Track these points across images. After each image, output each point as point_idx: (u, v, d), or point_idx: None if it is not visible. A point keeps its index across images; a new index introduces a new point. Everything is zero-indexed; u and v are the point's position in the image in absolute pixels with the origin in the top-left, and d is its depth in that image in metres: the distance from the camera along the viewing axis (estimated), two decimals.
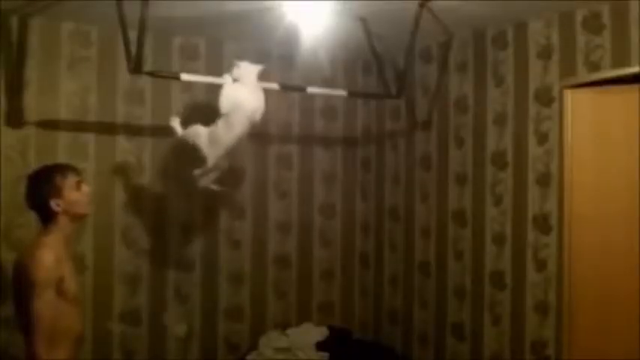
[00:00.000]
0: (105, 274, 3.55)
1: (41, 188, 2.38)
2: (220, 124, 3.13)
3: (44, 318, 2.23)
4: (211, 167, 3.19)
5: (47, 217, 2.38)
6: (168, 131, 3.23)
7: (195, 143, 3.16)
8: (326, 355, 3.81)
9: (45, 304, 2.24)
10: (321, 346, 3.88)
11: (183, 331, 3.73)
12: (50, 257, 2.28)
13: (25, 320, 2.27)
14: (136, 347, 3.63)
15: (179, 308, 3.76)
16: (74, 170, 2.49)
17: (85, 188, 2.47)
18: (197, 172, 3.22)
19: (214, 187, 3.30)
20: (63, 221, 2.39)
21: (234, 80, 3.15)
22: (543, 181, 3.26)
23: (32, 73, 3.34)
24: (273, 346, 3.84)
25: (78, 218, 2.49)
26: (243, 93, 3.14)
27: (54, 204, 2.36)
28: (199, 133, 3.17)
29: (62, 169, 2.46)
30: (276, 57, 4.03)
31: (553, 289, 3.20)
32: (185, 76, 3.17)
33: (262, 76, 3.24)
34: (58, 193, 2.37)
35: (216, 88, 3.17)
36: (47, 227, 2.38)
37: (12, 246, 3.19)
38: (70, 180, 2.42)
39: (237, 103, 3.11)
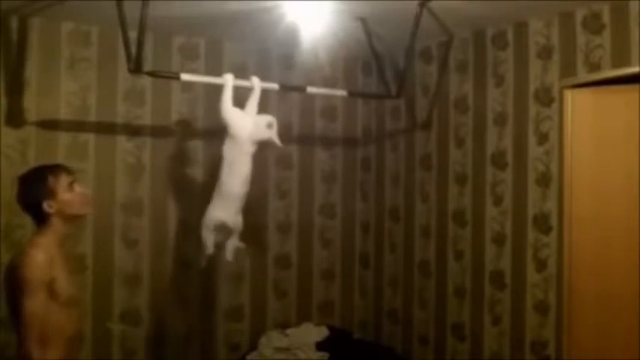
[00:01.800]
0: (105, 274, 3.55)
1: (33, 189, 2.35)
2: (223, 173, 3.07)
3: (36, 318, 2.22)
4: (228, 228, 3.11)
5: (40, 218, 2.36)
6: (168, 131, 3.23)
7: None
8: (326, 355, 3.81)
9: (36, 304, 2.22)
10: (321, 346, 3.88)
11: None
12: (42, 258, 2.26)
13: (17, 320, 2.26)
14: (136, 347, 3.63)
15: (179, 308, 3.76)
16: (67, 170, 2.45)
17: (79, 189, 2.43)
18: (230, 253, 3.17)
19: (240, 245, 3.23)
20: (56, 222, 2.36)
21: (268, 125, 3.08)
22: (543, 181, 3.26)
23: (32, 73, 3.34)
24: (273, 346, 3.84)
25: (72, 219, 2.45)
26: (247, 132, 3.07)
27: (46, 205, 2.33)
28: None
29: (54, 169, 2.42)
30: (276, 57, 4.03)
31: (553, 289, 3.20)
32: (185, 76, 3.17)
33: (262, 75, 3.23)
34: (50, 194, 2.34)
35: (216, 88, 3.17)
36: (41, 228, 2.37)
37: (12, 246, 3.19)
38: (63, 180, 2.38)
39: (239, 133, 3.05)
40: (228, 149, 3.07)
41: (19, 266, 2.26)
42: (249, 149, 3.07)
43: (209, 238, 3.10)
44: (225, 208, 3.08)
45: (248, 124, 3.07)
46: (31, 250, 2.29)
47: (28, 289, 2.22)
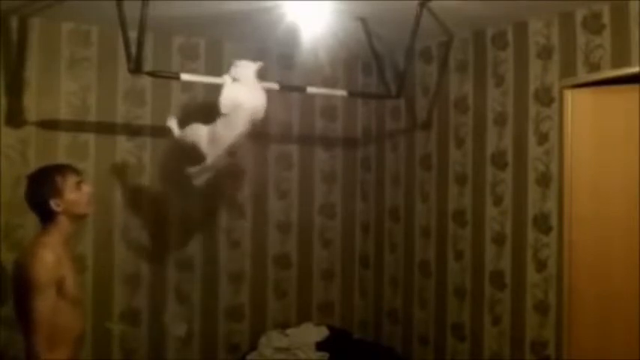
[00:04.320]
0: (105, 274, 3.55)
1: (41, 188, 2.39)
2: (220, 123, 3.08)
3: (44, 318, 2.24)
4: (209, 166, 3.14)
5: (47, 217, 2.38)
6: (168, 131, 3.23)
7: (194, 142, 3.10)
8: (326, 355, 3.81)
9: (45, 303, 2.24)
10: (321, 346, 3.88)
11: (184, 330, 3.74)
12: (51, 257, 2.28)
13: (24, 320, 2.27)
14: (136, 347, 3.63)
15: (179, 308, 3.76)
16: (74, 170, 2.50)
17: (86, 188, 2.47)
18: (192, 169, 3.17)
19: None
20: (63, 221, 2.39)
21: (234, 80, 3.11)
22: (543, 181, 3.26)
23: (32, 73, 3.34)
24: (273, 346, 3.84)
25: (78, 218, 2.49)
26: (243, 92, 3.10)
27: (54, 204, 2.36)
28: (199, 132, 3.12)
29: (62, 169, 2.47)
30: (276, 57, 4.03)
31: (553, 289, 3.20)
32: (185, 76, 3.17)
33: (261, 74, 3.22)
34: (58, 193, 2.37)
35: (216, 88, 3.17)
36: (47, 227, 2.39)
37: (12, 246, 3.20)
38: (71, 180, 2.42)
39: (238, 102, 3.06)
40: (234, 116, 3.06)
41: (27, 266, 2.27)
42: (251, 117, 3.08)
43: (173, 122, 3.18)
44: (213, 150, 3.08)
45: (245, 90, 3.09)
46: (39, 249, 2.30)
47: (38, 288, 2.23)
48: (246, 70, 3.14)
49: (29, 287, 2.24)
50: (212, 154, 3.10)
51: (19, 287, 2.29)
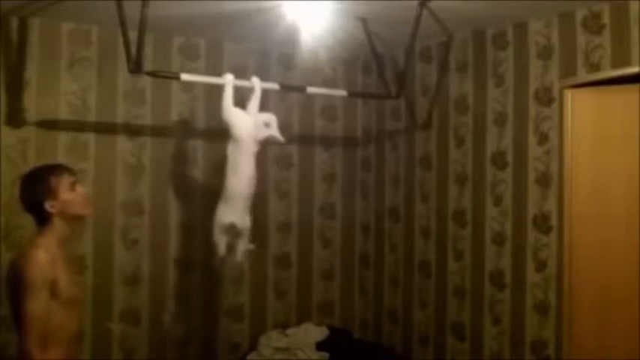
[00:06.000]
0: (105, 274, 3.55)
1: (35, 189, 2.34)
2: (229, 175, 3.09)
3: (37, 318, 2.21)
4: (237, 229, 3.11)
5: (42, 218, 2.35)
6: (168, 131, 3.23)
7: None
8: (326, 355, 3.81)
9: (38, 304, 2.21)
10: (321, 346, 3.88)
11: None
12: (44, 258, 2.25)
13: (17, 320, 2.26)
14: (136, 347, 3.63)
15: (179, 308, 3.76)
16: (69, 170, 2.44)
17: (80, 189, 2.42)
18: (236, 258, 3.18)
19: (250, 247, 3.20)
20: (58, 222, 2.35)
21: (266, 124, 3.11)
22: (543, 181, 3.26)
23: (32, 73, 3.34)
24: (273, 346, 3.84)
25: (74, 219, 2.44)
26: (250, 126, 3.10)
27: (48, 205, 2.32)
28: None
29: (56, 169, 2.42)
30: (276, 57, 4.03)
31: (553, 289, 3.20)
32: (185, 76, 3.17)
33: (261, 75, 3.23)
34: (52, 194, 2.33)
35: (216, 88, 3.17)
36: (42, 228, 2.36)
37: (12, 246, 3.20)
38: (65, 181, 2.37)
39: (241, 133, 3.07)
40: (231, 151, 3.09)
41: (20, 267, 2.25)
42: (251, 149, 3.09)
43: (221, 241, 3.13)
44: (232, 210, 3.10)
45: (249, 124, 3.09)
46: (32, 250, 2.28)
47: (30, 289, 2.21)
48: (269, 125, 3.14)
49: (22, 288, 2.21)
50: (231, 211, 3.10)
51: (13, 288, 2.28)
